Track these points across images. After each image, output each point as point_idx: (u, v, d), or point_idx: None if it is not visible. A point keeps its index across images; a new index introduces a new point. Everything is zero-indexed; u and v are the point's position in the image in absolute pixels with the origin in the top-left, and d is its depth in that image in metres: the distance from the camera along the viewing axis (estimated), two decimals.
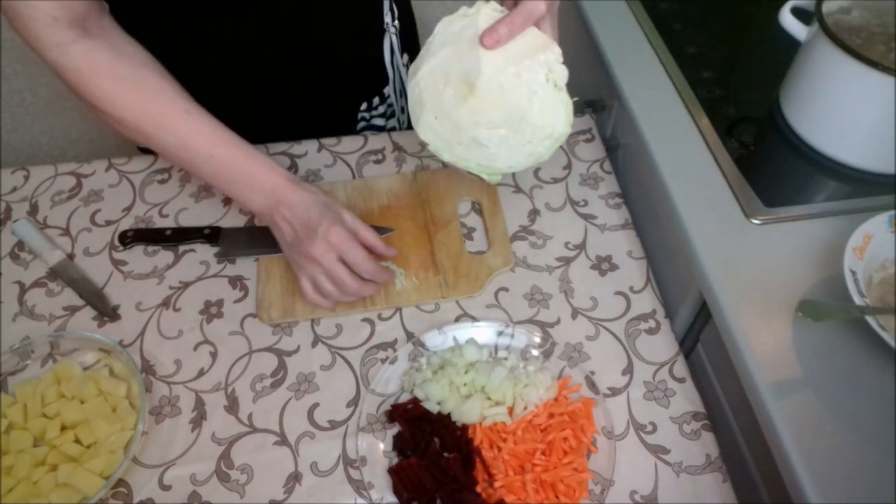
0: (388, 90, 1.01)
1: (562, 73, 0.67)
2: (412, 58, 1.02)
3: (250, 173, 0.72)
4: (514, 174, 0.93)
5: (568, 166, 0.94)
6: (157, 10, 0.79)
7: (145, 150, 0.98)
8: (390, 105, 1.03)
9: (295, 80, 0.91)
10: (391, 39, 0.96)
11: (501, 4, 0.70)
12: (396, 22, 0.95)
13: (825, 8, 0.76)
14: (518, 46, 0.66)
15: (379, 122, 1.03)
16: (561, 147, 0.95)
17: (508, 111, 0.67)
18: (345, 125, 1.01)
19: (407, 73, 1.00)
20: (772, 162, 0.83)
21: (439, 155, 0.71)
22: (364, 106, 1.00)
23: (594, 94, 1.08)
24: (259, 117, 0.93)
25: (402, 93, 1.03)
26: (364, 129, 1.03)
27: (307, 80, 0.92)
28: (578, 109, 1.03)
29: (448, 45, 0.68)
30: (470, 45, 0.66)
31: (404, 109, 1.05)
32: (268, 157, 0.74)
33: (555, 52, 0.67)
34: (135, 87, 0.69)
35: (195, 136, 0.71)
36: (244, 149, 0.73)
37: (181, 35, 0.81)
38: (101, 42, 0.68)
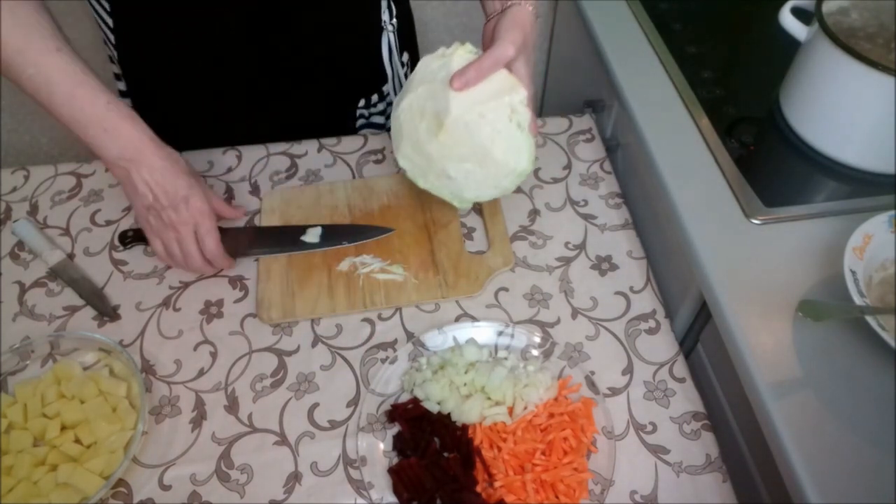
0: (387, 88, 1.01)
1: (525, 115, 0.72)
2: (412, 56, 1.02)
3: (111, 121, 0.70)
4: None
5: (568, 166, 0.94)
6: (156, 9, 0.79)
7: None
8: (390, 103, 1.03)
9: (292, 76, 0.91)
10: (389, 37, 0.95)
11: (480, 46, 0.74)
12: (394, 20, 0.95)
13: (825, 8, 0.76)
14: (487, 87, 0.70)
15: (378, 119, 1.03)
16: (561, 147, 0.96)
17: (473, 148, 0.72)
18: (344, 122, 1.01)
19: (405, 71, 1.01)
20: (772, 162, 0.83)
21: (415, 181, 0.78)
22: (362, 103, 1.00)
23: (594, 94, 1.08)
24: (258, 113, 0.93)
25: None
26: (363, 126, 1.03)
27: (304, 76, 0.92)
28: (577, 111, 1.03)
29: (425, 83, 0.73)
30: (443, 85, 0.71)
31: None
32: (131, 109, 0.72)
33: (520, 95, 0.71)
34: (8, 13, 0.66)
35: (59, 72, 0.68)
36: (108, 96, 0.71)
37: (181, 33, 0.81)
38: None
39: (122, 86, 0.92)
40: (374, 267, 0.81)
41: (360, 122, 1.02)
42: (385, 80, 1.00)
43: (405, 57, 1.01)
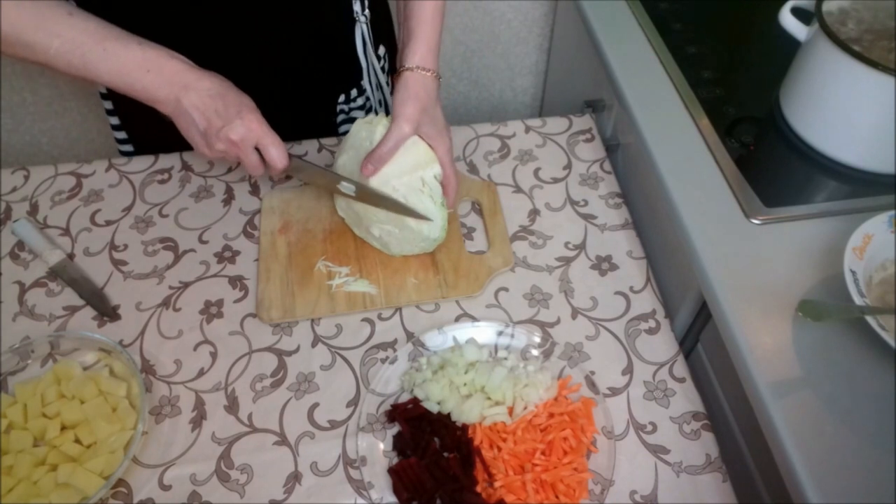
0: (364, 82, 1.00)
1: (437, 188, 0.78)
2: (389, 49, 1.02)
3: (150, 59, 0.69)
4: (514, 174, 0.93)
5: (568, 166, 0.94)
6: (129, 7, 0.78)
7: (143, 151, 0.98)
8: (368, 98, 1.02)
9: (266, 72, 0.90)
10: (362, 29, 0.94)
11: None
12: (367, 11, 0.93)
13: (825, 8, 0.76)
14: (405, 160, 0.77)
15: (358, 114, 1.01)
16: (561, 147, 0.96)
17: (389, 215, 0.78)
18: (324, 117, 1.00)
19: (382, 65, 1.01)
20: (772, 162, 0.83)
21: (352, 229, 0.85)
22: (342, 98, 0.99)
23: (594, 94, 1.08)
24: None
25: (378, 86, 1.02)
26: (343, 121, 1.02)
27: (280, 72, 0.91)
28: (577, 111, 1.03)
29: (354, 148, 0.80)
30: (365, 155, 0.76)
31: (382, 103, 1.04)
32: (159, 45, 0.71)
33: (433, 170, 0.78)
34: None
35: (82, 33, 0.67)
36: (135, 38, 0.70)
37: (152, 31, 0.81)
38: None
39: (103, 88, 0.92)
40: (346, 280, 0.81)
41: (341, 116, 1.01)
42: (362, 75, 0.99)
43: (381, 50, 1.00)
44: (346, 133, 1.02)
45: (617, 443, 0.69)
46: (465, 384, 0.71)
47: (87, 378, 0.71)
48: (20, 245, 0.86)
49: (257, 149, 0.73)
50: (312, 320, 0.79)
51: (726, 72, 0.94)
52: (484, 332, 0.76)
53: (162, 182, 0.92)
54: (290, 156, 0.75)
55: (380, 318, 0.79)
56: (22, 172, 0.93)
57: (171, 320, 0.79)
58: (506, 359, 0.73)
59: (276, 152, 0.73)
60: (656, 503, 0.65)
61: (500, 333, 0.76)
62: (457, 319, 0.79)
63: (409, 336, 0.77)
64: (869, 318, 0.61)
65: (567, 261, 0.84)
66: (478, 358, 0.73)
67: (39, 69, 1.32)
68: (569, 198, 0.90)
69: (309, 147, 0.96)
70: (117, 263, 0.84)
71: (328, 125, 1.01)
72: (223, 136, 0.71)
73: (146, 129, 0.96)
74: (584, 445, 0.67)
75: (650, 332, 0.77)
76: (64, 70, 0.68)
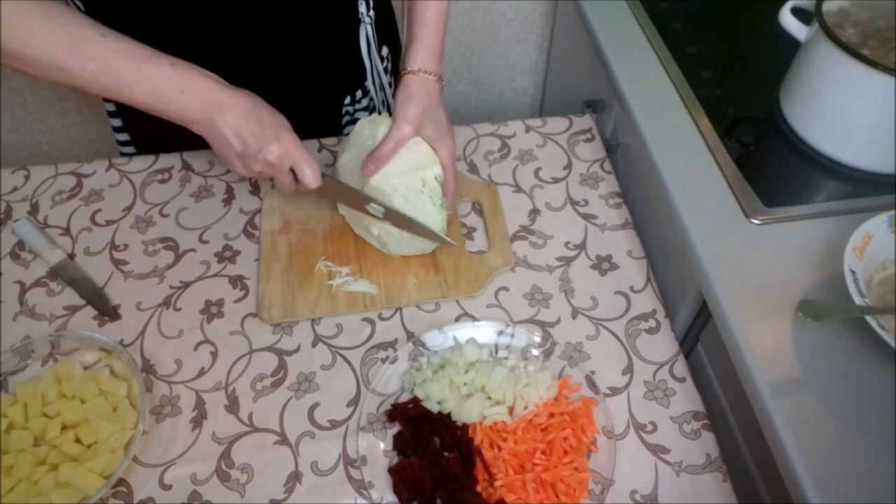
0: (369, 83, 1.00)
1: (437, 189, 0.78)
2: (392, 50, 1.01)
3: (183, 80, 0.68)
4: (514, 174, 0.93)
5: (568, 166, 0.94)
6: (132, 7, 0.78)
7: (145, 153, 0.98)
8: (372, 98, 1.02)
9: (272, 74, 0.89)
10: (367, 30, 0.94)
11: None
12: (371, 12, 0.93)
13: (825, 8, 0.76)
14: (407, 159, 0.77)
15: (362, 115, 1.01)
16: (561, 147, 0.96)
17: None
18: (329, 119, 1.00)
19: (385, 66, 1.00)
20: (772, 162, 0.83)
21: (352, 227, 0.85)
22: (347, 100, 0.99)
23: (594, 94, 1.08)
24: None
25: (381, 87, 1.02)
26: (348, 123, 1.02)
27: (285, 74, 0.91)
28: (577, 111, 1.03)
29: (357, 146, 0.81)
30: (367, 153, 0.77)
31: (385, 104, 1.04)
32: (191, 63, 0.70)
33: (434, 171, 0.78)
34: (44, 19, 0.64)
35: (115, 55, 0.66)
36: (168, 58, 0.69)
37: (156, 32, 0.81)
38: None
39: None
40: (346, 279, 0.81)
41: (346, 118, 1.01)
42: (366, 76, 0.98)
43: (385, 51, 0.99)
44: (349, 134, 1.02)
45: (617, 442, 0.69)
46: (465, 384, 0.71)
47: (88, 378, 0.71)
48: (21, 245, 0.86)
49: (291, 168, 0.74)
50: (313, 320, 0.79)
51: (726, 72, 0.94)
52: (484, 332, 0.76)
53: (162, 182, 0.92)
54: (323, 175, 0.75)
55: (380, 317, 0.79)
56: (22, 172, 0.93)
57: (171, 320, 0.79)
58: (506, 358, 0.73)
59: (311, 173, 0.74)
60: (656, 503, 0.65)
61: (500, 333, 0.76)
62: (457, 319, 0.79)
63: (410, 336, 0.77)
64: (869, 318, 0.61)
65: (567, 261, 0.84)
66: (478, 358, 0.73)
67: None
68: (569, 198, 0.91)
69: (309, 147, 0.96)
70: (118, 263, 0.84)
71: (333, 127, 1.01)
72: (261, 158, 0.71)
73: (149, 132, 0.96)
74: (585, 445, 0.67)
75: (650, 331, 0.77)
76: (97, 93, 0.68)
